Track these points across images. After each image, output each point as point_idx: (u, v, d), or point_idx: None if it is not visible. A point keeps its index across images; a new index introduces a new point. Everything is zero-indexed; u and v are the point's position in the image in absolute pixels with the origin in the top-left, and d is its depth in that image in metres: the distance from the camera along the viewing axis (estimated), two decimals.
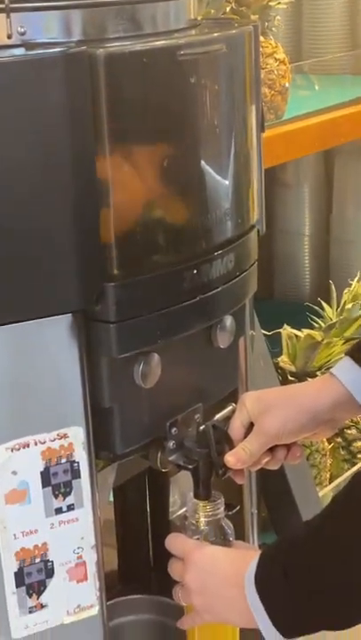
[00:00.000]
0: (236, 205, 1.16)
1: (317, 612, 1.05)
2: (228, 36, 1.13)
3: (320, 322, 1.91)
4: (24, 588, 1.07)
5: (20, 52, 0.98)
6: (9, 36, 0.99)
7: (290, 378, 1.77)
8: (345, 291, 1.96)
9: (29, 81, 0.95)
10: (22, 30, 0.99)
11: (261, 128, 1.24)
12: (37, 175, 0.97)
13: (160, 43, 1.04)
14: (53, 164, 0.97)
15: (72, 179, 0.99)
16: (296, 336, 1.81)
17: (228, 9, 1.87)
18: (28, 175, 0.97)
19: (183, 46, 1.04)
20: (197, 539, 1.18)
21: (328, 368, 1.69)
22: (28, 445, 1.03)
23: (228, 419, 1.22)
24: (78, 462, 1.07)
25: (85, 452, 1.07)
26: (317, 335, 1.79)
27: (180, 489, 1.41)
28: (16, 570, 1.06)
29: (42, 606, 1.08)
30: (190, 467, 1.19)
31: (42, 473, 1.05)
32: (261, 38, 1.82)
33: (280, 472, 1.52)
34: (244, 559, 1.11)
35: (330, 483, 1.81)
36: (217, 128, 1.11)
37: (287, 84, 1.94)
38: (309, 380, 1.56)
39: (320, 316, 1.94)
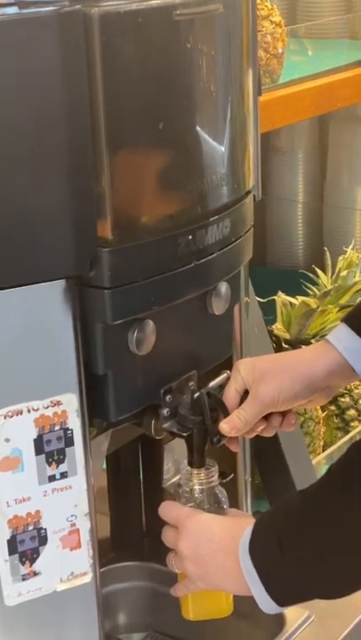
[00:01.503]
0: (232, 170, 1.14)
1: (310, 581, 1.05)
2: None
3: (314, 289, 1.90)
4: (17, 555, 1.06)
5: (12, 10, 0.96)
6: None
7: (284, 345, 1.76)
8: (340, 258, 1.94)
9: (22, 40, 0.93)
10: None
11: (258, 91, 1.22)
12: (31, 138, 0.96)
13: (156, 2, 1.02)
14: (47, 125, 0.96)
15: (66, 141, 0.97)
16: (291, 303, 1.80)
17: None
18: (21, 137, 0.96)
19: (179, 6, 1.02)
20: (191, 506, 1.18)
21: (323, 336, 1.68)
22: (20, 413, 1.03)
23: (222, 386, 1.22)
24: (72, 430, 1.06)
25: (79, 419, 1.06)
26: (312, 302, 1.77)
27: (174, 456, 1.41)
28: (9, 537, 1.05)
29: (35, 574, 1.08)
30: (184, 434, 1.18)
31: (35, 440, 1.04)
32: (257, 0, 1.79)
33: (274, 440, 1.52)
34: (238, 526, 1.11)
35: (323, 451, 1.81)
36: (213, 91, 1.09)
37: (283, 48, 1.91)
38: (304, 347, 1.54)
39: (314, 284, 1.92)
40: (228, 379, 1.22)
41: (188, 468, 1.20)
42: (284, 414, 1.22)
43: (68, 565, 1.10)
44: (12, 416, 1.02)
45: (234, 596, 1.21)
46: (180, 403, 1.18)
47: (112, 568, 1.44)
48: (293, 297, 1.82)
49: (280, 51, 1.91)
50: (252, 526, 1.08)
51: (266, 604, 1.07)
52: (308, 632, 1.32)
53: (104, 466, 1.46)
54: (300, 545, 1.04)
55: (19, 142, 0.95)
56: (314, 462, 1.69)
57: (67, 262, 1.01)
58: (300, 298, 1.80)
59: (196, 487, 1.19)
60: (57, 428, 1.05)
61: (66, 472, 1.07)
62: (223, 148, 1.12)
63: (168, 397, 1.17)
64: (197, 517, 1.15)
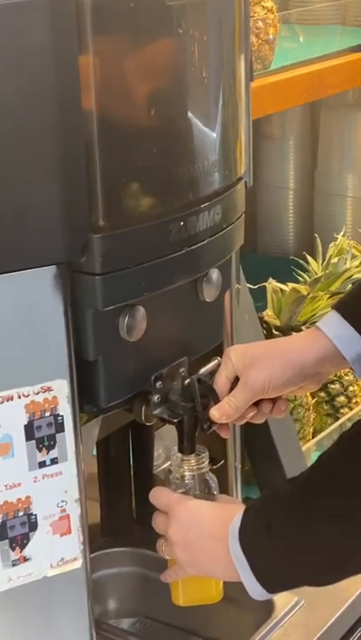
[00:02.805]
0: (224, 157, 1.14)
1: (299, 568, 1.06)
2: None
3: (305, 276, 1.90)
4: (7, 541, 1.06)
5: None
6: None
7: (275, 332, 1.76)
8: (330, 245, 1.94)
9: (14, 26, 0.93)
10: None
11: (250, 77, 1.22)
12: (22, 123, 0.95)
13: None
14: (38, 111, 0.95)
15: (58, 127, 0.97)
16: (281, 290, 1.80)
17: None
18: (12, 123, 0.95)
19: None
20: (182, 492, 1.18)
21: (313, 322, 1.69)
22: (11, 398, 1.03)
23: (213, 373, 1.22)
24: (62, 416, 1.06)
25: (69, 405, 1.06)
26: (303, 289, 1.78)
27: (165, 443, 1.41)
28: None
29: (25, 559, 1.08)
30: (175, 420, 1.19)
31: (25, 426, 1.04)
32: None
33: (264, 426, 1.52)
34: (227, 513, 1.11)
35: (313, 437, 1.82)
36: (205, 76, 1.09)
37: (275, 34, 1.90)
38: (294, 334, 1.55)
39: (305, 270, 1.93)
40: (218, 365, 1.22)
41: (179, 454, 1.20)
42: (274, 401, 1.22)
43: (59, 551, 1.10)
44: (2, 402, 1.02)
45: (224, 581, 1.22)
46: (170, 389, 1.18)
47: (102, 554, 1.44)
48: (284, 284, 1.82)
49: (272, 37, 1.91)
50: (242, 513, 1.08)
51: (255, 590, 1.07)
52: (297, 617, 1.33)
53: (94, 452, 1.46)
54: (289, 532, 1.04)
55: (9, 127, 0.95)
56: (304, 449, 1.70)
57: (58, 248, 1.00)
58: (291, 285, 1.81)
59: (187, 473, 1.19)
60: (47, 414, 1.05)
61: (56, 458, 1.07)
62: (215, 135, 1.12)
63: (159, 384, 1.17)
64: (187, 503, 1.15)
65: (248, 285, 1.57)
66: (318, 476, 1.04)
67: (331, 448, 1.05)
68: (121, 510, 1.51)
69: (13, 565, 1.07)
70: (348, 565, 1.05)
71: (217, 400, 1.19)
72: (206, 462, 1.20)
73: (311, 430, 1.82)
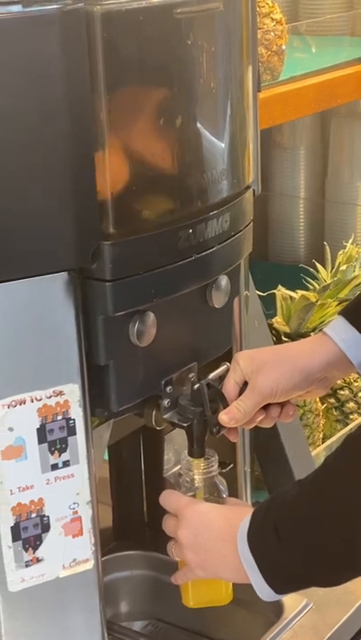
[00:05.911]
0: (232, 165, 1.16)
1: (307, 569, 1.06)
2: None
3: (314, 283, 1.92)
4: (20, 542, 1.08)
5: (17, 8, 0.98)
6: None
7: (284, 339, 1.77)
8: (339, 252, 1.96)
9: (26, 37, 0.95)
10: None
11: (258, 87, 1.24)
12: (34, 131, 0.97)
13: (157, 0, 1.04)
14: (50, 120, 0.97)
15: (68, 136, 0.99)
16: (290, 297, 1.81)
17: None
18: (24, 132, 0.97)
19: (180, 4, 1.04)
20: (191, 495, 1.20)
21: (322, 329, 1.70)
22: (24, 402, 1.04)
23: (222, 377, 1.23)
24: (74, 419, 1.08)
25: (81, 409, 1.08)
26: (312, 296, 1.79)
27: (175, 447, 1.42)
28: (12, 524, 1.07)
29: (38, 560, 1.09)
30: (185, 425, 1.20)
31: (38, 429, 1.06)
32: None
33: (273, 431, 1.54)
34: (236, 515, 1.12)
35: (322, 443, 1.83)
36: (213, 87, 1.11)
37: (284, 45, 1.93)
38: (302, 339, 1.56)
39: (315, 278, 1.94)
40: (227, 370, 1.24)
41: (189, 457, 1.21)
42: (282, 405, 1.24)
43: (71, 552, 1.11)
44: (15, 405, 1.04)
45: (233, 583, 1.23)
46: (180, 394, 1.20)
47: (114, 557, 1.45)
48: (294, 291, 1.84)
49: (281, 48, 1.93)
50: (250, 515, 1.10)
51: (264, 591, 1.09)
52: (306, 619, 1.34)
53: (106, 456, 1.47)
54: (297, 533, 1.05)
55: (22, 136, 0.97)
56: (313, 454, 1.71)
57: (69, 255, 1.02)
58: (300, 292, 1.82)
59: (197, 477, 1.21)
60: (59, 417, 1.07)
61: (68, 461, 1.08)
62: (223, 144, 1.14)
63: (169, 388, 1.18)
64: (197, 506, 1.16)
65: (258, 293, 1.59)
66: (324, 477, 1.06)
67: (336, 450, 1.07)
68: (132, 514, 1.52)
69: (27, 566, 1.09)
70: (354, 566, 1.06)
71: (226, 404, 1.20)
72: (215, 466, 1.22)
73: (321, 436, 1.83)
